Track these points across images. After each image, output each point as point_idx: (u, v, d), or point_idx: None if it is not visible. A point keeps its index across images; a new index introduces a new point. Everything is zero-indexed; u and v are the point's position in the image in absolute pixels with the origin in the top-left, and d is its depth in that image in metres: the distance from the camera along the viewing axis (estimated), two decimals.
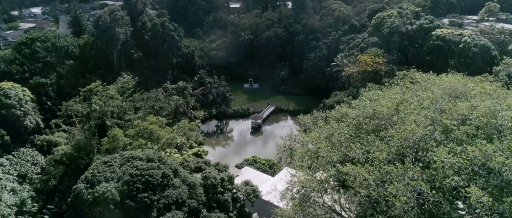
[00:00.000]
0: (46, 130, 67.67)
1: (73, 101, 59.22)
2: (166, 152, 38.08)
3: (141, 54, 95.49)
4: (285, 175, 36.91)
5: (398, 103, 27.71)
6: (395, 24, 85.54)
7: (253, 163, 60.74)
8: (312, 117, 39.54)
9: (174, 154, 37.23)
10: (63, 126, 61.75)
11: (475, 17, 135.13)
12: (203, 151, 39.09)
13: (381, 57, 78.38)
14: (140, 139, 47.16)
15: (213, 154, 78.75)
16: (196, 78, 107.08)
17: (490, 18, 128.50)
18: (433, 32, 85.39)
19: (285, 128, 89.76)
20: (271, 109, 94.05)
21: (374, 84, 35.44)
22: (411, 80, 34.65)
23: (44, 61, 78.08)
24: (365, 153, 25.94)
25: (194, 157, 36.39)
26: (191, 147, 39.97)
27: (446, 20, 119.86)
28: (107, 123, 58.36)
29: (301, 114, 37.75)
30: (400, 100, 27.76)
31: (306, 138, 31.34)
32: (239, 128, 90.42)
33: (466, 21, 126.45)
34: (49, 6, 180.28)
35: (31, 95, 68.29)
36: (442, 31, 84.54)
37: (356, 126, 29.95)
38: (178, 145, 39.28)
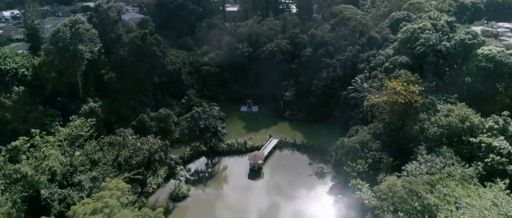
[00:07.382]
0: None
1: None
2: None
3: (115, 74, 77.55)
4: None
5: None
6: (431, 42, 67.78)
7: None
8: None
9: None
10: None
11: (507, 25, 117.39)
12: None
13: (416, 85, 60.68)
14: None
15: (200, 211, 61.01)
16: (183, 100, 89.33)
17: None
18: (479, 51, 67.79)
19: (292, 170, 71.93)
20: (274, 142, 76.42)
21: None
22: None
23: None
24: None
25: None
26: None
27: (478, 29, 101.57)
28: (42, 193, 41.01)
29: None
30: None
31: None
32: (235, 167, 72.74)
33: (500, 30, 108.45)
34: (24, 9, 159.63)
35: None
36: (491, 50, 66.89)
37: None
38: None
